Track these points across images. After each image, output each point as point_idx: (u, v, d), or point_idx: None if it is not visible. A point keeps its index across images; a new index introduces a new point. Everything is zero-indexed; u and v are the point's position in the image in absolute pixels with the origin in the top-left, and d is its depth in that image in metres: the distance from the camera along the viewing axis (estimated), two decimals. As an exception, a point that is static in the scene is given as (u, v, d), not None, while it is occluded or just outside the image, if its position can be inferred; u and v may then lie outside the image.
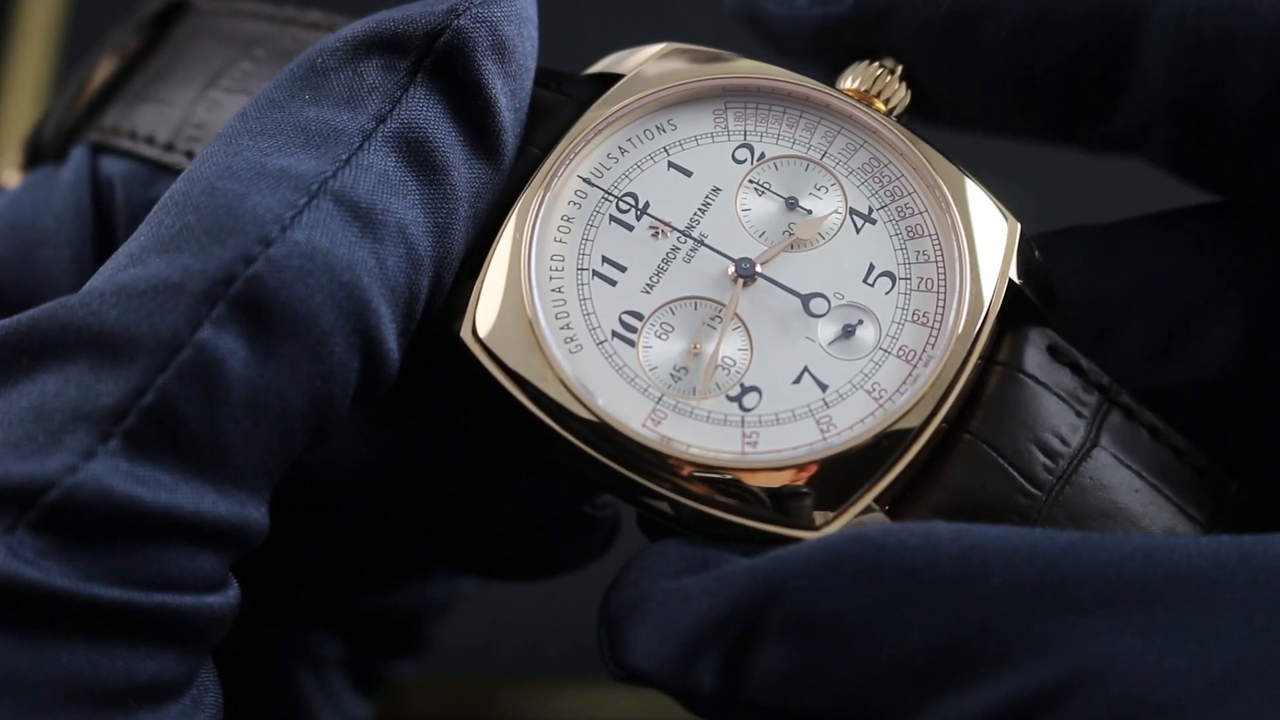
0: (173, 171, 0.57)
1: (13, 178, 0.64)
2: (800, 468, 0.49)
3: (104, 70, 0.61)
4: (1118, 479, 0.50)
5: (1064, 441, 0.50)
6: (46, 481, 0.43)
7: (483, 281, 0.50)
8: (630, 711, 0.77)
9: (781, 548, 0.46)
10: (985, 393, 0.50)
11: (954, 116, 0.56)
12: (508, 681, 0.81)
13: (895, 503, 0.50)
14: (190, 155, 0.57)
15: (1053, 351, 0.51)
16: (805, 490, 0.49)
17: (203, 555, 0.45)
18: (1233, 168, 0.53)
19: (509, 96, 0.51)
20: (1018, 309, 0.52)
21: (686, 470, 0.49)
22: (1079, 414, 0.51)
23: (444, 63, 0.50)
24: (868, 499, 0.49)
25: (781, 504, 0.49)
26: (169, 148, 0.57)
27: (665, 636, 0.47)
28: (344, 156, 0.48)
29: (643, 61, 0.54)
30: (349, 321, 0.47)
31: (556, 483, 0.56)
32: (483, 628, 0.80)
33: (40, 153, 0.62)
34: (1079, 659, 0.43)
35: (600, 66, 0.55)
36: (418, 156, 0.49)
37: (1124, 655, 0.43)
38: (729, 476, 0.49)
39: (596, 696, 0.80)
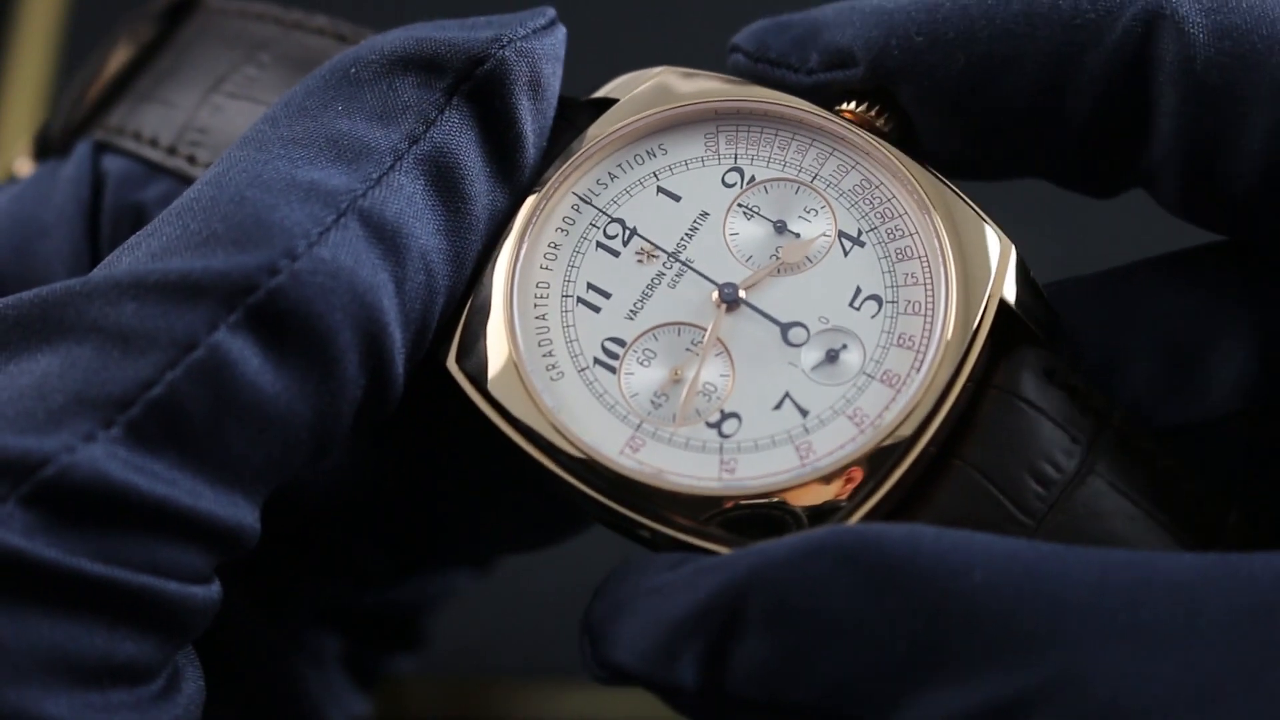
0: (171, 174, 0.57)
1: (25, 166, 0.64)
2: (783, 492, 0.49)
3: (114, 63, 0.61)
4: (1112, 506, 0.50)
5: (1058, 468, 0.49)
6: (43, 457, 0.43)
7: (470, 308, 0.50)
8: (630, 711, 0.78)
9: (763, 542, 0.46)
10: (978, 417, 0.50)
11: (962, 168, 0.54)
12: (508, 681, 0.81)
13: None
14: (191, 160, 0.57)
15: (1049, 375, 0.50)
16: (792, 515, 0.49)
17: (192, 551, 0.46)
18: (1242, 220, 0.52)
19: (536, 134, 0.51)
20: (1015, 332, 0.51)
21: (663, 497, 0.49)
22: (1074, 439, 0.50)
23: (483, 90, 0.50)
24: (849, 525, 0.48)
25: (756, 529, 0.48)
26: (171, 151, 0.57)
27: (646, 631, 0.46)
28: (375, 176, 0.48)
29: (639, 85, 0.54)
30: (364, 342, 0.47)
31: (544, 506, 0.56)
32: (483, 628, 0.81)
33: (49, 146, 0.62)
34: (1061, 662, 0.43)
35: (603, 92, 0.55)
36: (446, 183, 0.49)
37: (1107, 661, 0.43)
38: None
39: (596, 696, 0.80)
